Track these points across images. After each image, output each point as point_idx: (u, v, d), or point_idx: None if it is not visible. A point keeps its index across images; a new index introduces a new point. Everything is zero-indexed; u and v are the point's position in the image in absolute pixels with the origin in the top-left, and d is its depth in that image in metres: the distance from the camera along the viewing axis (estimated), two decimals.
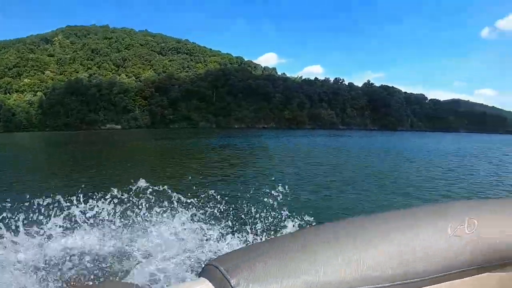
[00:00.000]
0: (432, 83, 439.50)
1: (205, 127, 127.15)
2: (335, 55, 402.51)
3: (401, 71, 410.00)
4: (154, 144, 43.34)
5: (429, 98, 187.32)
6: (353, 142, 51.76)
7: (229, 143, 40.84)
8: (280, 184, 5.58)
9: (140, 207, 4.77)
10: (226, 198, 5.78)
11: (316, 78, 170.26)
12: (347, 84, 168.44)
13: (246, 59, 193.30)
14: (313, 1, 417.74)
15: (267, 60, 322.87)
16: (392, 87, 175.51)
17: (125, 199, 4.77)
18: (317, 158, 25.41)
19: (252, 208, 5.20)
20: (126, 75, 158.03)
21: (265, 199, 5.36)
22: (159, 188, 5.08)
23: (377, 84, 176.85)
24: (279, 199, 5.25)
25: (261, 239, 4.48)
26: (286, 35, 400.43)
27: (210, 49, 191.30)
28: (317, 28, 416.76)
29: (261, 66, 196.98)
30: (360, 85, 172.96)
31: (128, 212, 4.72)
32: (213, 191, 5.60)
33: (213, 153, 28.99)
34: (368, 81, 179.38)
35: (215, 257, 0.72)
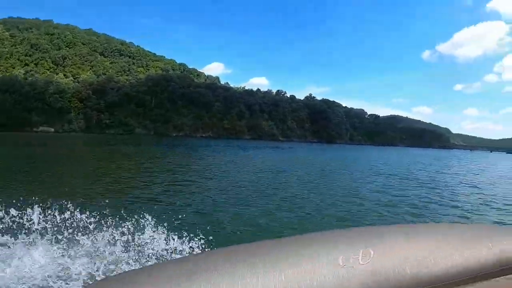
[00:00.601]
0: (373, 100, 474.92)
1: (141, 134, 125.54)
2: (281, 68, 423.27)
3: (344, 87, 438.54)
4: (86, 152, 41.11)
5: (368, 113, 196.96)
6: (277, 154, 52.59)
7: (160, 154, 39.53)
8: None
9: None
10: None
11: (258, 89, 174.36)
12: (288, 96, 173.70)
13: (190, 67, 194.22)
14: (265, 15, 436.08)
15: (214, 69, 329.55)
16: (333, 101, 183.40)
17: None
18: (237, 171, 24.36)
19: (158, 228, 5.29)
20: (64, 75, 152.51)
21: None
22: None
23: (319, 98, 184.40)
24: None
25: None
26: (234, 46, 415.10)
27: (154, 54, 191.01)
28: (266, 41, 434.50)
29: (205, 74, 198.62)
30: (302, 98, 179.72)
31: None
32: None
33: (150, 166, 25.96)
34: (310, 94, 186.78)
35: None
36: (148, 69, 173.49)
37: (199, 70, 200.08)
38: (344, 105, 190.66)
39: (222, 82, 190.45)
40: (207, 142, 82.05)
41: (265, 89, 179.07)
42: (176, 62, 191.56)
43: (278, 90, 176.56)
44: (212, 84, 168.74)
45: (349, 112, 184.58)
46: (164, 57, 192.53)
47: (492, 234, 0.90)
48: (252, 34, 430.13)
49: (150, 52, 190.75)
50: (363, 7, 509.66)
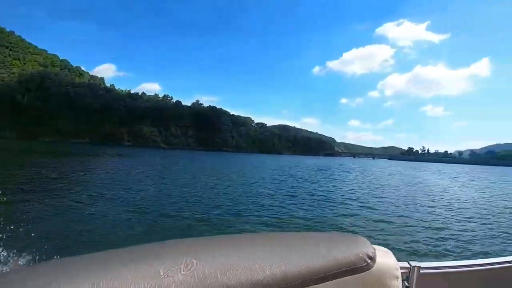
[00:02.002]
0: (263, 110, 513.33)
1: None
2: (174, 75, 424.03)
3: (234, 96, 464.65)
4: None
5: (256, 122, 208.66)
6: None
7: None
8: None
9: None
10: None
11: (143, 93, 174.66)
12: (174, 102, 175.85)
13: (75, 65, 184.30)
14: (165, 18, 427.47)
15: (104, 71, 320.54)
16: (220, 108, 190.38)
17: None
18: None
19: None
20: None
21: None
22: None
23: (207, 105, 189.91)
24: None
25: None
26: (129, 48, 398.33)
27: (36, 46, 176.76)
28: (161, 46, 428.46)
29: (89, 74, 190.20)
30: (189, 104, 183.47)
31: None
32: None
33: None
34: (197, 100, 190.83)
35: None
36: (25, 63, 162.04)
37: (84, 69, 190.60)
38: (231, 113, 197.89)
39: (112, 85, 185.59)
40: (80, 149, 76.68)
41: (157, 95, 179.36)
42: (58, 58, 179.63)
43: (164, 95, 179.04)
44: (94, 85, 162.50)
45: (236, 120, 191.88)
46: (46, 51, 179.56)
47: (324, 240, 1.01)
48: (150, 39, 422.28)
49: (32, 44, 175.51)
50: (265, 17, 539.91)
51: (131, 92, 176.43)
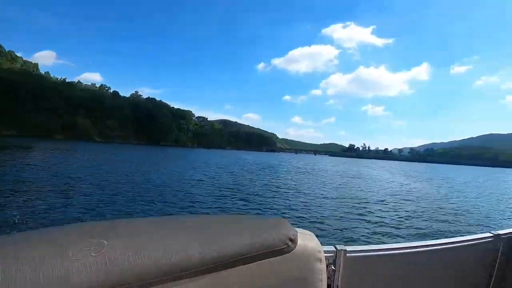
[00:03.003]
0: (206, 105, 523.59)
1: None
2: (118, 66, 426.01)
3: (177, 90, 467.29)
4: None
5: (197, 115, 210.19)
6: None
7: None
8: None
9: None
10: None
11: (79, 82, 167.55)
12: (111, 92, 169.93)
13: (7, 49, 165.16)
14: (111, 5, 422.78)
15: (43, 57, 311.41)
16: (160, 101, 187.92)
17: None
18: None
19: None
20: None
21: None
22: None
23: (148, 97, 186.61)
24: None
25: None
26: (72, 35, 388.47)
27: None
28: (105, 34, 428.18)
29: (22, 59, 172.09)
30: (128, 95, 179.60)
31: None
32: None
33: None
34: (136, 92, 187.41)
35: None
36: None
37: (17, 54, 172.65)
38: (172, 105, 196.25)
39: (47, 72, 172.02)
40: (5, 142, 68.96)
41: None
42: None
43: (101, 85, 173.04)
44: (25, 72, 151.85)
45: (176, 113, 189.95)
46: None
47: (245, 222, 1.04)
48: (97, 25, 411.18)
49: None
50: (212, 11, 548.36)
51: (68, 81, 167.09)
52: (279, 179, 30.80)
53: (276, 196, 19.16)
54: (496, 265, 2.07)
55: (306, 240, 1.02)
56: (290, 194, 20.62)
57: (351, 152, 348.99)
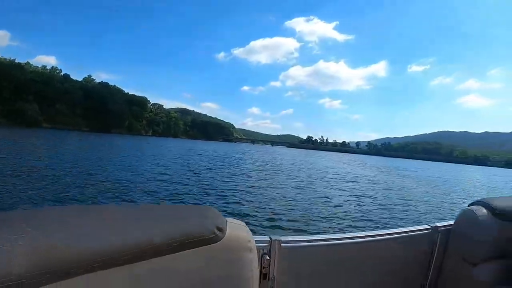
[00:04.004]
0: (164, 93, 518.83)
1: None
2: (74, 49, 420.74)
3: (135, 77, 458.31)
4: None
5: (152, 102, 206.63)
6: None
7: None
8: None
9: None
10: None
11: (27, 62, 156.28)
12: (62, 75, 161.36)
13: None
14: None
15: None
16: (114, 86, 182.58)
17: None
18: None
19: None
20: None
21: None
22: None
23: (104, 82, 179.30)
24: None
25: None
26: (27, 16, 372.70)
27: None
28: (66, 17, 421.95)
29: None
30: (80, 79, 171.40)
31: None
32: None
33: None
34: (89, 76, 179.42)
35: None
36: None
37: None
38: (126, 91, 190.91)
39: (3, 55, 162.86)
40: None
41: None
42: None
43: (52, 67, 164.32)
44: None
45: (130, 99, 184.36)
46: None
47: (172, 211, 1.07)
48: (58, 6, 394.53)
49: None
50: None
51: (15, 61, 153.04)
52: (225, 170, 30.38)
53: (213, 187, 18.89)
54: (434, 256, 2.20)
55: (236, 229, 1.04)
56: (230, 184, 20.59)
57: (308, 143, 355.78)
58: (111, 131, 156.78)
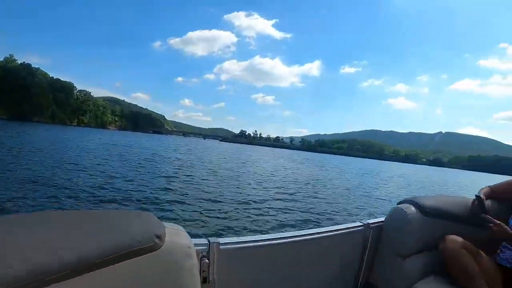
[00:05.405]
0: (94, 81, 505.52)
1: None
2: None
3: (66, 61, 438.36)
4: None
5: (78, 89, 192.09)
6: None
7: None
8: None
9: None
10: None
11: None
12: None
13: None
14: None
15: None
16: (37, 68, 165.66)
17: None
18: None
19: None
20: None
21: None
22: None
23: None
24: None
25: None
26: None
27: None
28: None
29: None
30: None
31: None
32: None
33: None
34: (11, 55, 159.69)
35: None
36: None
37: None
38: (51, 75, 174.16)
39: None
40: None
41: None
42: None
43: None
44: None
45: (55, 83, 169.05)
46: None
47: (104, 218, 1.02)
48: None
49: None
50: None
51: None
52: (156, 168, 27.76)
53: (145, 189, 17.25)
54: (367, 251, 2.39)
55: (175, 235, 1.04)
56: (162, 185, 19.02)
57: (242, 138, 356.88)
58: (32, 120, 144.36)
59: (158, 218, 1.06)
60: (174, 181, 20.59)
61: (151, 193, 16.07)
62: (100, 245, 0.84)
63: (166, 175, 22.92)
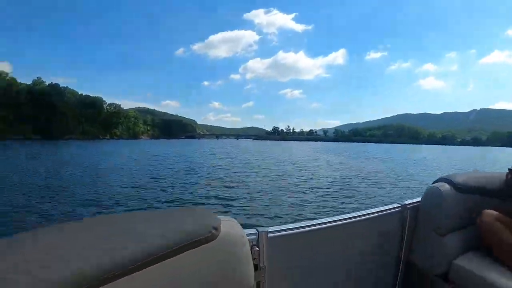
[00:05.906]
0: (120, 94, 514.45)
1: None
2: (30, 54, 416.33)
3: (93, 78, 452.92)
4: None
5: (108, 103, 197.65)
6: None
7: None
8: None
9: None
10: None
11: None
12: (8, 78, 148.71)
13: None
14: None
15: None
16: (66, 87, 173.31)
17: None
18: None
19: None
20: None
21: None
22: None
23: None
24: None
25: None
26: None
27: None
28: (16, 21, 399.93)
29: None
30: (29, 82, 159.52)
31: None
32: None
33: None
34: (39, 78, 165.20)
35: None
36: None
37: None
38: (80, 92, 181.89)
39: None
40: None
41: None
42: None
43: None
44: None
45: (84, 100, 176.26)
46: None
47: (166, 216, 1.14)
48: None
49: None
50: None
51: None
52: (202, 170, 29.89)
53: (199, 188, 19.37)
54: (406, 231, 2.46)
55: (229, 226, 1.13)
56: (214, 184, 20.86)
57: (275, 135, 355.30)
58: (64, 137, 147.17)
59: (213, 212, 1.17)
60: (222, 180, 22.73)
61: (204, 192, 17.82)
62: (164, 239, 0.94)
63: (215, 176, 24.87)
